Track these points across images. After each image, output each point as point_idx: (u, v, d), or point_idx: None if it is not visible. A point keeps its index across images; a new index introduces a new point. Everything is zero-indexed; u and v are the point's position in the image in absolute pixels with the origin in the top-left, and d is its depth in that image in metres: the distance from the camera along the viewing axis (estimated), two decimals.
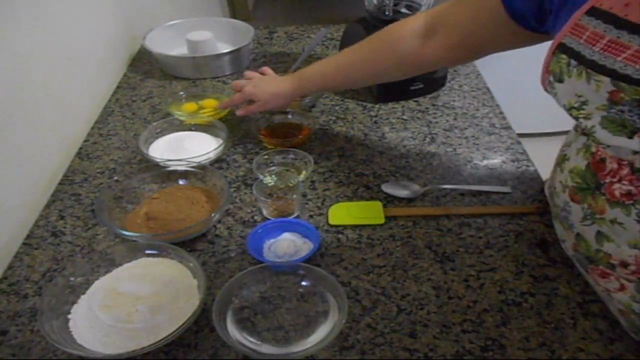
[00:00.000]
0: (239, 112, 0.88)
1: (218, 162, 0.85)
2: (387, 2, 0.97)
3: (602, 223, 0.52)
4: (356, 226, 0.72)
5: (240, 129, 0.94)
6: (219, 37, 1.17)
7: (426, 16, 0.70)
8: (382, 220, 0.72)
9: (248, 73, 0.92)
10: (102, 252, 0.63)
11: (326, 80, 0.81)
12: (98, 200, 0.70)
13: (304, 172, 0.80)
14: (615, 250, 0.52)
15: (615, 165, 0.50)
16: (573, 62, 0.49)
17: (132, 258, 0.64)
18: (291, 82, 0.83)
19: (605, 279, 0.55)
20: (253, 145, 0.90)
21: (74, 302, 0.59)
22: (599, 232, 0.53)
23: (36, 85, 0.81)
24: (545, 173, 0.82)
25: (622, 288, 0.54)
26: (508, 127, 0.93)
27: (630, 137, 0.46)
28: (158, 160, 0.80)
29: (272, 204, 0.73)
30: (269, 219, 0.73)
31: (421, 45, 0.70)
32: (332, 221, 0.73)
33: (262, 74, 0.91)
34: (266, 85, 0.85)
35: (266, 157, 0.82)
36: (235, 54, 1.11)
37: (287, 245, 0.67)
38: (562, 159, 0.60)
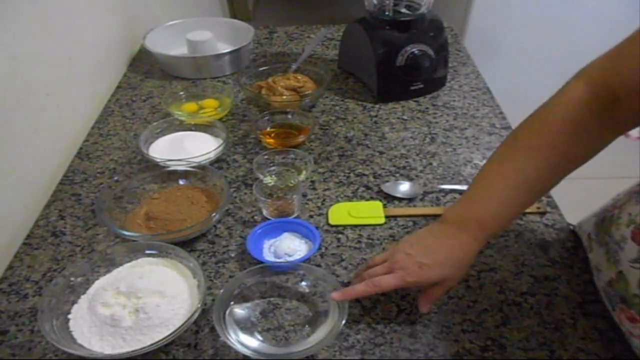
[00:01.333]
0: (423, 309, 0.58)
1: (218, 162, 0.85)
2: (387, 2, 0.97)
3: None
4: (356, 226, 0.72)
5: (240, 129, 0.94)
6: (219, 37, 1.17)
7: (589, 83, 0.53)
8: (382, 220, 0.72)
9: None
10: (102, 252, 0.63)
11: (515, 210, 0.58)
12: (98, 200, 0.70)
13: (304, 172, 0.80)
14: None
15: None
16: None
17: (132, 258, 0.64)
18: (471, 239, 0.56)
19: (633, 323, 0.53)
20: (253, 145, 0.89)
21: (74, 302, 0.59)
22: None
23: (36, 85, 0.81)
24: None
25: None
26: (508, 127, 0.93)
27: None
28: (158, 160, 0.80)
29: (272, 204, 0.73)
30: (269, 219, 0.73)
31: (610, 118, 0.52)
32: (332, 221, 0.73)
33: None
34: (437, 255, 0.56)
35: (266, 157, 0.82)
36: (235, 54, 1.11)
37: (287, 246, 0.66)
38: None
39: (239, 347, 0.53)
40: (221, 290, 0.58)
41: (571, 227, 0.71)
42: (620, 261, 0.54)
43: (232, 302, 0.59)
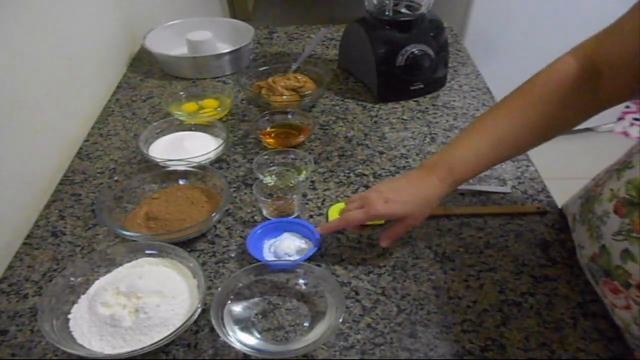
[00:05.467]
0: (382, 243, 0.64)
1: (218, 162, 0.85)
2: (387, 2, 0.97)
3: (635, 242, 0.50)
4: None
5: (240, 129, 0.94)
6: (219, 37, 1.17)
7: (578, 57, 0.57)
8: (382, 220, 0.72)
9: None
10: (102, 252, 0.63)
11: (485, 161, 0.62)
12: (98, 200, 0.70)
13: (304, 172, 0.80)
14: (637, 271, 0.50)
15: None
16: None
17: (132, 258, 0.64)
18: (439, 180, 0.61)
19: (615, 294, 0.54)
20: (253, 145, 0.89)
21: (74, 302, 0.59)
22: (626, 250, 0.51)
23: (36, 85, 0.81)
24: (545, 173, 0.82)
25: (627, 307, 0.53)
26: None
27: None
28: (158, 160, 0.80)
29: (272, 204, 0.73)
30: (269, 219, 0.73)
31: (591, 92, 0.56)
32: None
33: None
34: (403, 193, 0.62)
35: (266, 157, 0.82)
36: (235, 54, 1.11)
37: (287, 246, 0.67)
38: (623, 166, 0.56)
39: (238, 346, 0.53)
40: (219, 289, 0.58)
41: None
42: (602, 235, 0.56)
43: (230, 300, 0.59)
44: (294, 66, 1.05)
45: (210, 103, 0.99)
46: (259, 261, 0.64)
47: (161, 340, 0.53)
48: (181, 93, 1.00)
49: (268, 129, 0.91)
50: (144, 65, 1.18)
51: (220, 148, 0.84)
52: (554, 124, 0.59)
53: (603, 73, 0.55)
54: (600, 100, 0.57)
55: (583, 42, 0.58)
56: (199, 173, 0.77)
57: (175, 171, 0.78)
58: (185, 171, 0.78)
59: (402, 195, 0.62)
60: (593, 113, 0.59)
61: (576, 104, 0.58)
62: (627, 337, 0.55)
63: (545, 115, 0.58)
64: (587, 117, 0.59)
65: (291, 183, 0.77)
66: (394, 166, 0.84)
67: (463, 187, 0.78)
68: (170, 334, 0.53)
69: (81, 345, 0.54)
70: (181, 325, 0.54)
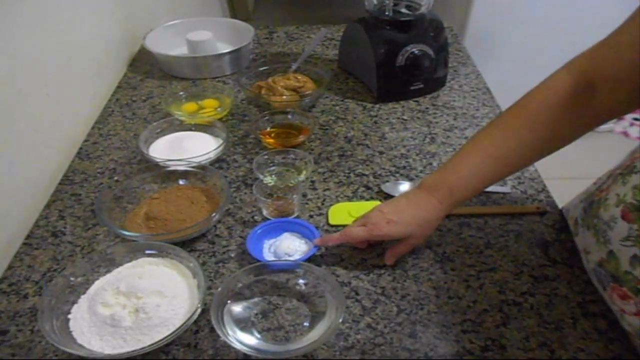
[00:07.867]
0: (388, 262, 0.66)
1: (218, 162, 0.85)
2: (387, 2, 0.97)
3: None
4: None
5: (240, 129, 0.94)
6: (219, 37, 1.17)
7: (573, 72, 0.56)
8: None
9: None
10: (102, 252, 0.63)
11: (484, 182, 0.62)
12: (98, 200, 0.70)
13: (304, 172, 0.80)
14: None
15: None
16: None
17: (132, 258, 0.64)
18: (439, 202, 0.62)
19: (624, 300, 0.54)
20: (253, 145, 0.90)
21: (74, 302, 0.59)
22: (635, 256, 0.51)
23: (36, 85, 0.81)
24: (545, 173, 0.82)
25: (637, 313, 0.52)
26: None
27: None
28: (158, 160, 0.80)
29: (272, 204, 0.73)
30: (269, 219, 0.73)
31: (587, 108, 0.56)
32: (332, 221, 0.73)
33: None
34: (405, 214, 0.63)
35: (266, 157, 0.81)
36: (235, 54, 1.11)
37: (287, 246, 0.66)
38: (628, 170, 0.55)
39: (238, 346, 0.53)
40: (218, 289, 0.58)
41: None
42: (610, 241, 0.55)
43: (230, 300, 0.59)
44: (294, 66, 1.05)
45: (210, 103, 0.99)
46: (259, 261, 0.64)
47: (161, 340, 0.53)
48: (181, 93, 1.00)
49: (268, 129, 0.91)
50: (144, 65, 1.18)
51: (220, 148, 0.84)
52: (551, 142, 0.59)
53: (599, 88, 0.54)
54: (596, 115, 0.56)
55: (577, 57, 0.57)
56: (199, 173, 0.78)
57: (175, 171, 0.78)
58: (185, 171, 0.78)
59: (404, 216, 0.62)
60: (589, 128, 0.58)
61: (572, 121, 0.57)
62: (637, 344, 0.54)
63: (542, 134, 0.58)
64: (584, 133, 0.58)
65: (291, 183, 0.77)
66: (394, 166, 0.84)
67: None
68: (170, 334, 0.53)
69: (81, 345, 0.54)
70: (181, 325, 0.54)
